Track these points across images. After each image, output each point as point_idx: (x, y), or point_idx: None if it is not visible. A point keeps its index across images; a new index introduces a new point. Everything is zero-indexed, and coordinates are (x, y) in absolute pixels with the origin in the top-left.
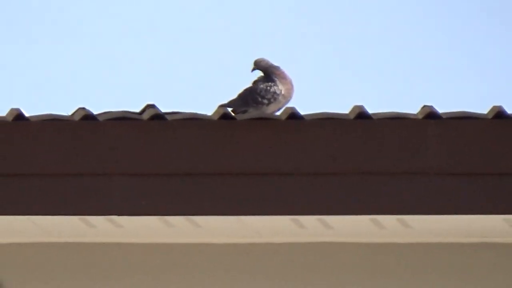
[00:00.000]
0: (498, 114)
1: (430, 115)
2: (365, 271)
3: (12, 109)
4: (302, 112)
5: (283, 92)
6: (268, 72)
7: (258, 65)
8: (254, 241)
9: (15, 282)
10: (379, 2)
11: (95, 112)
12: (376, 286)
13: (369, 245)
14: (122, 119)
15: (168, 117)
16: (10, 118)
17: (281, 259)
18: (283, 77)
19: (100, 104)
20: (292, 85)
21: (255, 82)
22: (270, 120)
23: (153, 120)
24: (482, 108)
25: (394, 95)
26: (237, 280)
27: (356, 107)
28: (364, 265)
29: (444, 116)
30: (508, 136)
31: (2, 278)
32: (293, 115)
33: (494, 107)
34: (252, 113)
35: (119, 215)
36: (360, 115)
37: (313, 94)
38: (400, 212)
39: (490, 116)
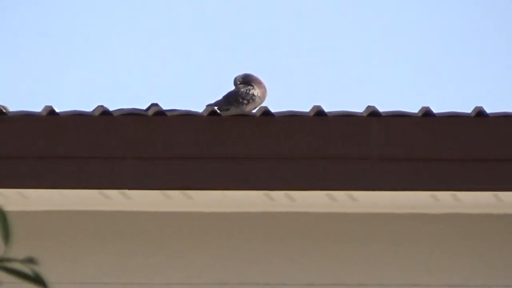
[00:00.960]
0: (426, 113)
1: (373, 113)
2: (320, 235)
3: (46, 106)
4: (273, 110)
5: (259, 95)
6: (247, 80)
7: (239, 81)
8: (235, 210)
9: (46, 241)
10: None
11: (111, 109)
12: (328, 247)
13: (324, 214)
14: (132, 115)
15: (168, 113)
16: (44, 113)
17: (256, 225)
18: (259, 83)
19: (113, 102)
20: (266, 89)
21: (236, 85)
22: (248, 117)
23: (156, 116)
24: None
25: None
26: (221, 241)
27: (315, 106)
28: (319, 230)
29: (383, 114)
30: (432, 130)
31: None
32: (265, 113)
33: (423, 107)
34: (234, 110)
35: (129, 189)
36: (318, 113)
37: (292, 94)
38: (348, 189)
39: (419, 114)
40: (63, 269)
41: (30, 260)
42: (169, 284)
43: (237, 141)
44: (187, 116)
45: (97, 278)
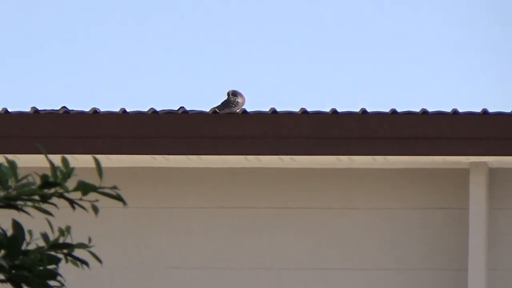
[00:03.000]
0: (333, 111)
1: (304, 112)
2: (275, 181)
3: (121, 108)
4: (248, 110)
5: (241, 102)
6: (235, 93)
7: (230, 94)
8: (227, 166)
9: (119, 185)
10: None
11: (157, 109)
12: (280, 188)
13: (274, 169)
14: (169, 113)
15: (189, 112)
16: (120, 112)
17: (238, 175)
18: (241, 95)
19: (157, 104)
20: (244, 98)
21: (228, 96)
22: (234, 114)
23: (183, 113)
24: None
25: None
26: (219, 184)
27: (271, 108)
28: (274, 178)
29: (310, 112)
30: (339, 122)
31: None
32: (243, 112)
33: (332, 108)
34: (226, 110)
35: (167, 154)
36: (273, 111)
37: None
38: (291, 154)
39: (330, 112)
40: (128, 200)
41: (114, 187)
42: (187, 208)
43: (228, 127)
44: (200, 114)
45: (148, 204)
